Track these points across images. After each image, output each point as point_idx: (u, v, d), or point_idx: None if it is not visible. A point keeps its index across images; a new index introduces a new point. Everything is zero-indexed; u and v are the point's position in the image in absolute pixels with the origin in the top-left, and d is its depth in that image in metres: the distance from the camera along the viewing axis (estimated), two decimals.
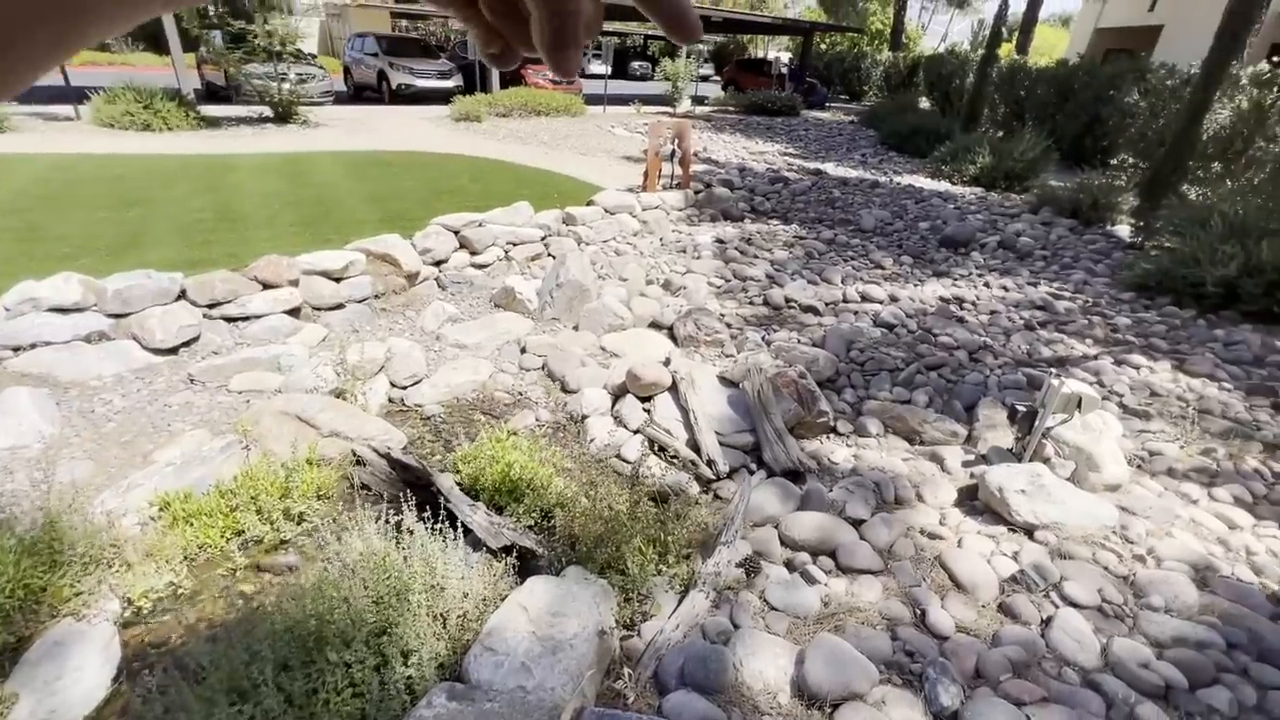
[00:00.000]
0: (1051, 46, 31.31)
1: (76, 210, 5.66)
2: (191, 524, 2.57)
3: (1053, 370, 4.22)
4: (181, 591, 2.39)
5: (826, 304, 5.32)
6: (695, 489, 3.14)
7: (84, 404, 3.35)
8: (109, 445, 3.11)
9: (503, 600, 2.22)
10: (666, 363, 3.96)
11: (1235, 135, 8.93)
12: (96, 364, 3.61)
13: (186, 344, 3.90)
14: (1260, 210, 5.75)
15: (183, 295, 4.03)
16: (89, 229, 5.21)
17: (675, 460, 3.31)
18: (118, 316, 3.81)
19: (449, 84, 15.53)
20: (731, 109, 18.17)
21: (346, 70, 17.38)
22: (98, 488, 2.76)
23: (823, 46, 27.01)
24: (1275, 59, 9.17)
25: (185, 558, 2.49)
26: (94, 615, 2.19)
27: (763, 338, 4.65)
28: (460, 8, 0.35)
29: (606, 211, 6.79)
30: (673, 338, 4.64)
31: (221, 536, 2.56)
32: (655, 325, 4.84)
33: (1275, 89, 8.63)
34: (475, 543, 2.59)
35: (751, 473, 3.29)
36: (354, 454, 3.11)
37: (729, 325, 4.83)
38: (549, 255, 6.07)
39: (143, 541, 2.47)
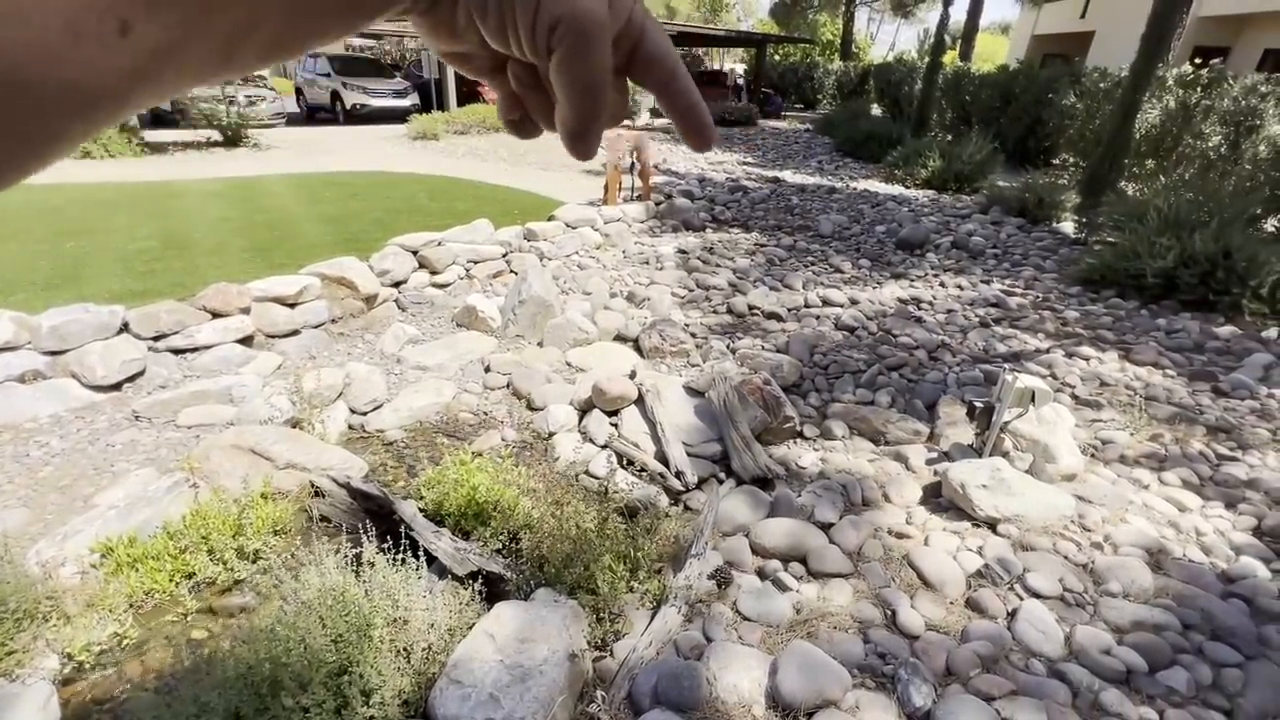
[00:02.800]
0: (993, 53, 32.64)
1: (9, 244, 5.40)
2: (137, 569, 2.44)
3: (1007, 365, 4.34)
4: (127, 642, 2.27)
5: (789, 310, 5.39)
6: (665, 501, 3.12)
7: (17, 448, 3.17)
8: (46, 491, 2.95)
9: (470, 629, 2.16)
10: (632, 375, 3.95)
11: (1165, 134, 9.41)
12: (31, 405, 3.43)
13: (130, 379, 3.74)
14: (1192, 204, 6.05)
15: (125, 328, 3.86)
16: (23, 262, 4.96)
17: (644, 473, 3.28)
18: (54, 353, 3.63)
19: (405, 103, 15.38)
20: None
21: (299, 91, 17.07)
22: (33, 537, 2.61)
23: (776, 58, 27.63)
24: (1198, 61, 9.72)
25: (130, 605, 2.36)
26: (29, 674, 2.06)
27: (727, 346, 4.67)
28: (487, 71, 0.34)
29: (568, 226, 6.77)
30: (638, 350, 4.63)
31: (170, 580, 2.44)
32: (620, 338, 4.83)
33: (1199, 89, 9.14)
34: (441, 570, 2.52)
35: (720, 482, 3.28)
36: (312, 485, 3.01)
37: (694, 335, 4.84)
38: (511, 272, 6.02)
39: (83, 591, 2.34)
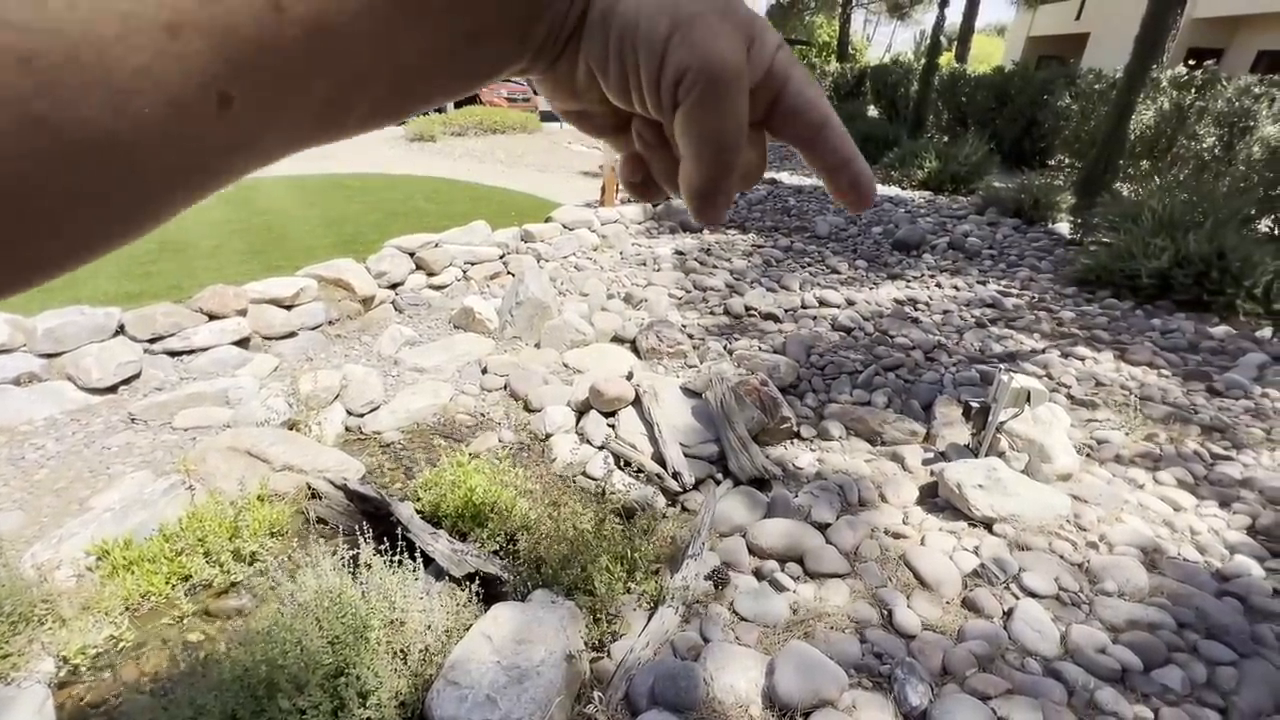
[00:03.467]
0: (988, 55, 32.75)
1: None
2: (133, 571, 2.44)
3: (1003, 366, 4.35)
4: (123, 645, 2.26)
5: (786, 310, 5.40)
6: (662, 502, 3.13)
7: (13, 451, 3.16)
8: (41, 493, 2.94)
9: (467, 630, 2.16)
10: (629, 376, 3.95)
11: (1160, 135, 9.46)
12: (27, 407, 3.42)
13: (126, 381, 3.73)
14: (1186, 205, 6.07)
15: (121, 330, 3.86)
16: None
17: (641, 474, 3.29)
18: (50, 356, 3.62)
19: None
20: None
21: None
22: (28, 540, 2.60)
23: None
24: (1192, 62, 9.77)
25: (126, 608, 2.36)
26: (24, 678, 2.05)
27: (724, 347, 4.68)
28: (610, 131, 0.32)
29: (565, 227, 6.78)
30: (635, 351, 4.64)
31: (166, 583, 2.44)
32: (618, 339, 4.83)
33: (1193, 91, 9.19)
34: (438, 572, 2.52)
35: (718, 483, 3.29)
36: (309, 487, 3.01)
37: (691, 336, 4.85)
38: (508, 273, 6.02)
39: (79, 594, 2.33)
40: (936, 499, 3.09)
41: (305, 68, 0.20)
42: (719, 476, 3.35)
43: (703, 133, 0.26)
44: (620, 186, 0.34)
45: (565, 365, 4.37)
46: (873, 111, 18.01)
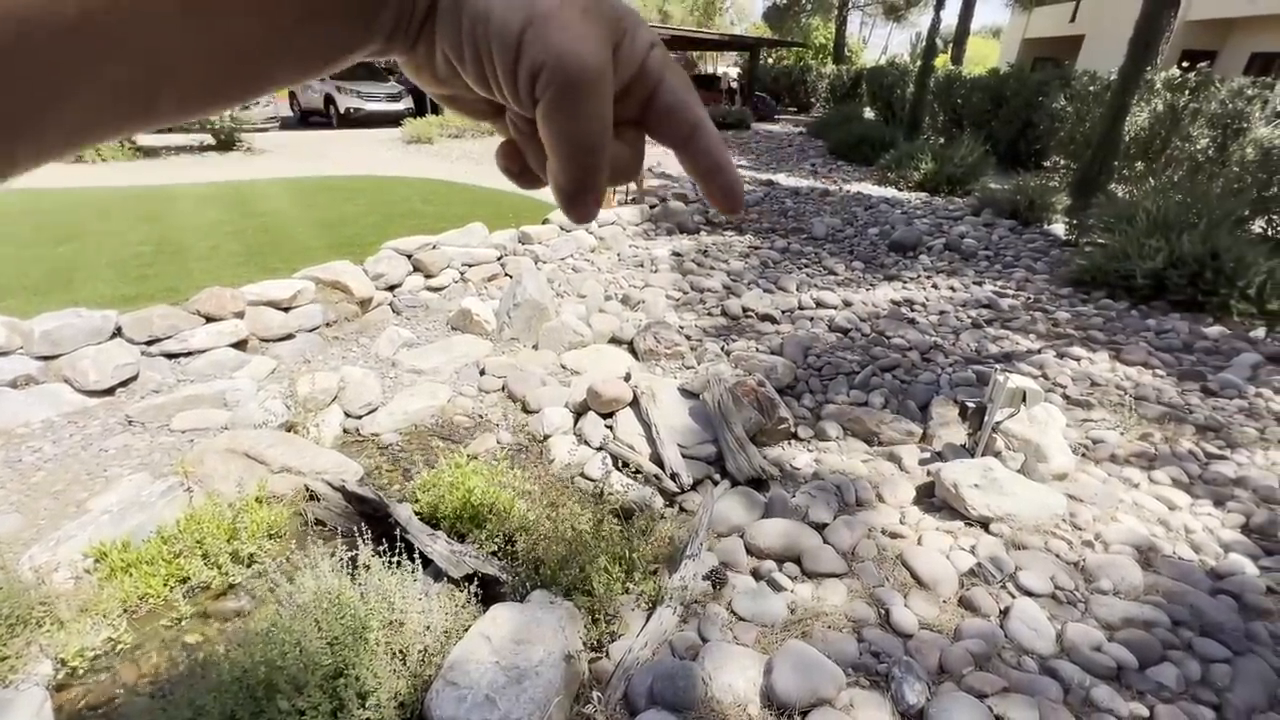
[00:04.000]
0: (984, 57, 32.89)
1: (1, 248, 5.37)
2: (131, 574, 2.43)
3: (999, 366, 4.37)
4: (121, 647, 2.26)
5: (783, 312, 5.42)
6: (660, 503, 3.13)
7: (10, 453, 3.16)
8: (39, 496, 2.93)
9: (465, 631, 2.16)
10: (627, 377, 3.96)
11: (1154, 136, 9.51)
12: (24, 410, 3.41)
13: (123, 384, 3.72)
14: (1180, 206, 6.11)
15: (118, 333, 3.85)
16: (15, 267, 4.94)
17: (639, 475, 3.29)
18: (47, 358, 3.62)
19: (399, 107, 15.36)
20: None
21: (292, 95, 17.02)
22: (26, 542, 2.60)
23: (770, 61, 27.77)
24: (1186, 64, 9.83)
25: (125, 610, 2.36)
26: (22, 680, 2.05)
27: (722, 348, 4.69)
28: (484, 115, 0.31)
29: (562, 229, 6.79)
30: (633, 352, 4.65)
31: (164, 585, 2.44)
32: (615, 340, 4.84)
33: (1187, 92, 9.24)
34: (436, 573, 2.52)
35: (715, 483, 3.30)
36: (307, 489, 3.01)
37: (688, 337, 4.86)
38: (506, 275, 6.03)
39: (77, 596, 2.33)
40: (933, 499, 3.11)
41: (87, 53, 0.18)
42: (717, 477, 3.36)
43: (563, 135, 0.25)
44: (548, 183, 0.32)
45: (563, 366, 4.38)
46: (869, 113, 18.06)
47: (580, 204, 0.27)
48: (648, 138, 0.30)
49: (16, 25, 0.17)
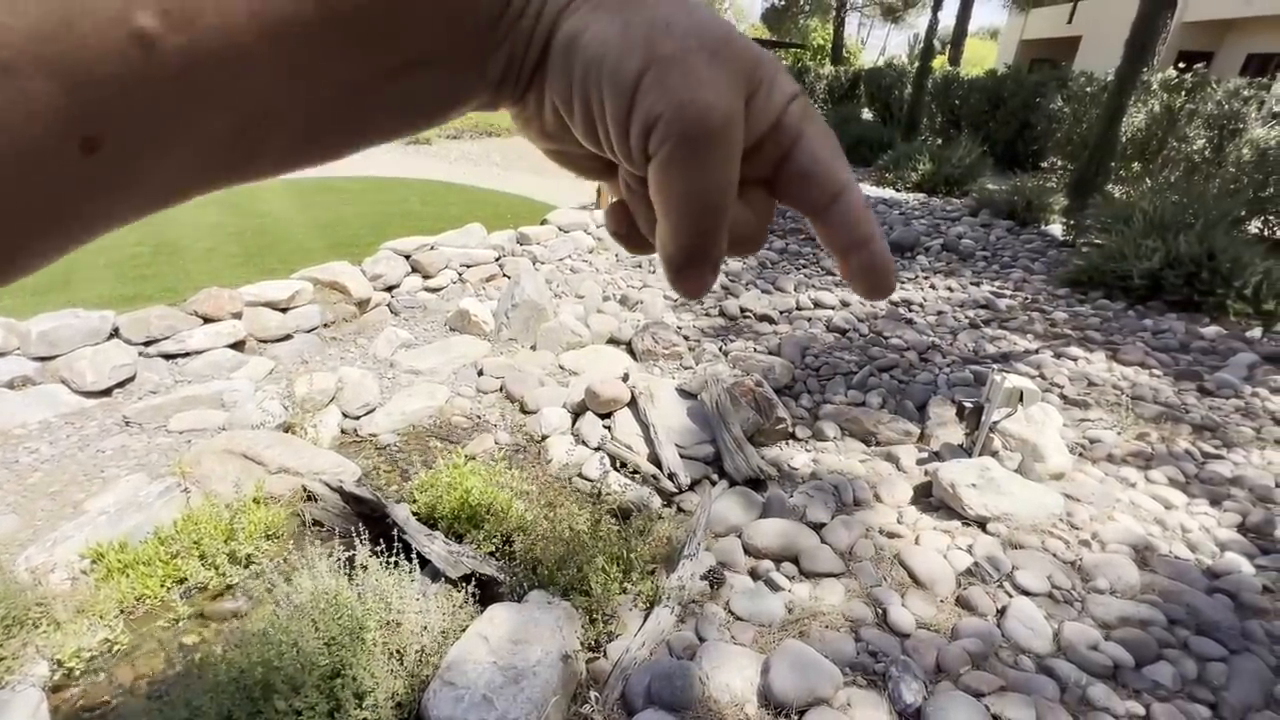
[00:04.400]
0: (982, 58, 32.96)
1: None
2: (128, 575, 2.43)
3: (996, 366, 4.38)
4: (118, 648, 2.26)
5: (781, 312, 5.42)
6: (657, 503, 3.14)
7: (7, 454, 3.15)
8: (35, 497, 2.93)
9: (463, 631, 2.16)
10: (625, 378, 3.96)
11: (1151, 137, 9.54)
12: (21, 411, 3.40)
13: (121, 384, 3.72)
14: (1177, 206, 6.13)
15: (116, 333, 3.85)
16: None
17: (636, 475, 3.30)
18: (44, 359, 3.61)
19: None
20: None
21: None
22: (22, 543, 2.59)
23: None
24: (1182, 65, 9.86)
25: (122, 611, 2.36)
26: (19, 681, 2.05)
27: (720, 348, 4.70)
28: (598, 172, 0.28)
29: (561, 230, 6.79)
30: (631, 352, 4.65)
31: (161, 586, 2.44)
32: (613, 341, 4.84)
33: (1183, 93, 9.27)
34: (434, 573, 2.52)
35: (713, 483, 3.30)
36: (304, 489, 3.01)
37: (686, 338, 4.87)
38: (504, 276, 6.03)
39: (73, 597, 2.33)
40: (931, 498, 3.11)
41: (191, 105, 0.18)
42: (715, 477, 3.36)
43: (677, 194, 0.22)
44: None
45: (561, 367, 4.38)
46: (867, 114, 18.09)
47: (691, 276, 0.24)
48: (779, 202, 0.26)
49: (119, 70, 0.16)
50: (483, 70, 0.22)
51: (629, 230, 0.28)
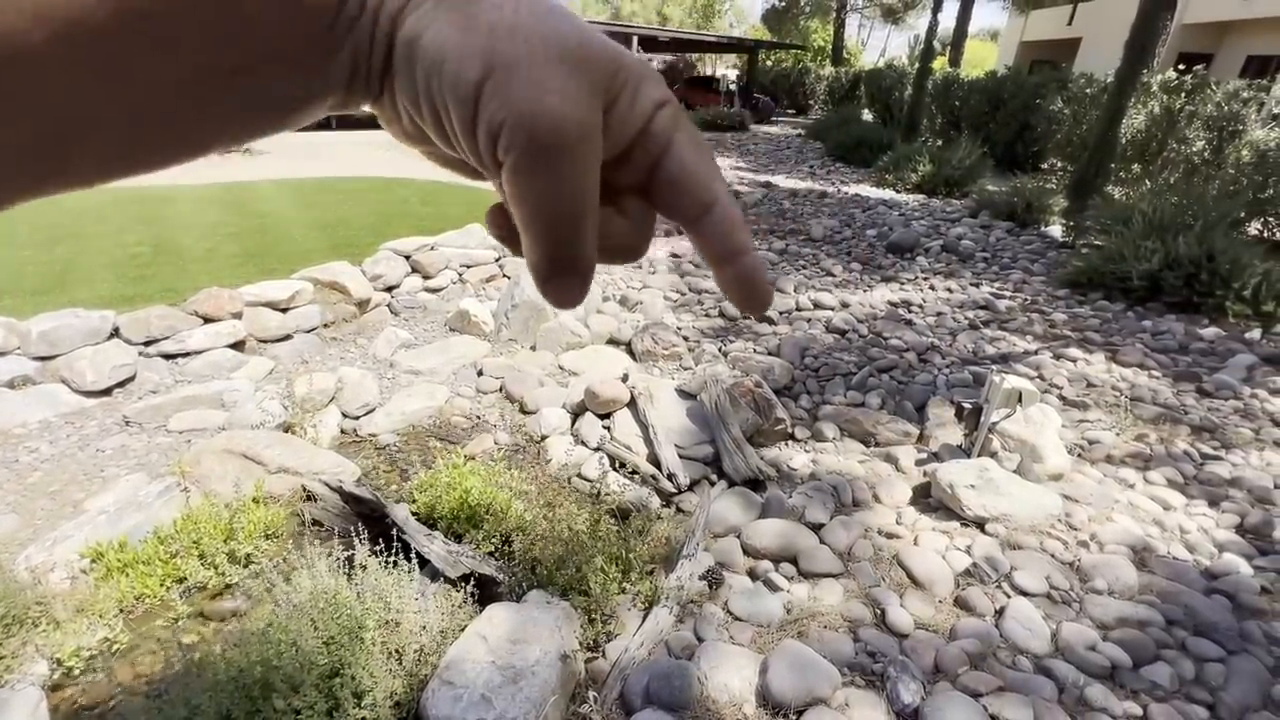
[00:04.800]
0: (982, 59, 32.99)
1: None
2: (127, 574, 2.43)
3: (995, 367, 4.39)
4: (117, 647, 2.26)
5: (780, 313, 5.43)
6: (656, 503, 3.14)
7: (7, 454, 3.16)
8: (35, 496, 2.93)
9: (462, 631, 2.17)
10: (625, 378, 3.96)
11: (1150, 138, 9.54)
12: (21, 410, 3.41)
13: (121, 384, 3.72)
14: (1176, 208, 6.13)
15: (116, 333, 3.85)
16: (12, 269, 4.94)
17: (636, 475, 3.30)
18: (44, 359, 3.61)
19: None
20: None
21: None
22: (22, 542, 2.60)
23: (768, 63, 27.82)
24: (1182, 67, 9.87)
25: (121, 610, 2.36)
26: (18, 680, 2.05)
27: (719, 349, 4.70)
28: (471, 172, 0.27)
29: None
30: (631, 353, 4.66)
31: (161, 585, 2.44)
32: (613, 341, 4.85)
33: (1183, 95, 9.28)
34: (433, 573, 2.53)
35: (712, 484, 3.30)
36: (304, 489, 3.01)
37: (686, 338, 4.87)
38: (504, 276, 6.04)
39: (73, 596, 2.33)
40: (929, 499, 3.11)
41: None
42: (714, 477, 3.36)
43: (530, 204, 0.21)
44: None
45: (561, 367, 4.38)
46: (867, 115, 18.11)
47: (557, 287, 0.23)
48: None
49: None
50: (325, 72, 0.21)
51: (510, 234, 0.26)
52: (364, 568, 2.23)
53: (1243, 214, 7.02)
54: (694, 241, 0.25)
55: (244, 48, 0.19)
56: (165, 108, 0.19)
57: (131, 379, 3.77)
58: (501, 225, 0.26)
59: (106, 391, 3.67)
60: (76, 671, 2.15)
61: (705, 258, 0.25)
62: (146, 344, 3.90)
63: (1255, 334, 4.96)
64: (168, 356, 3.96)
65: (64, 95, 0.17)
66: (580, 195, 0.21)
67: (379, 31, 0.21)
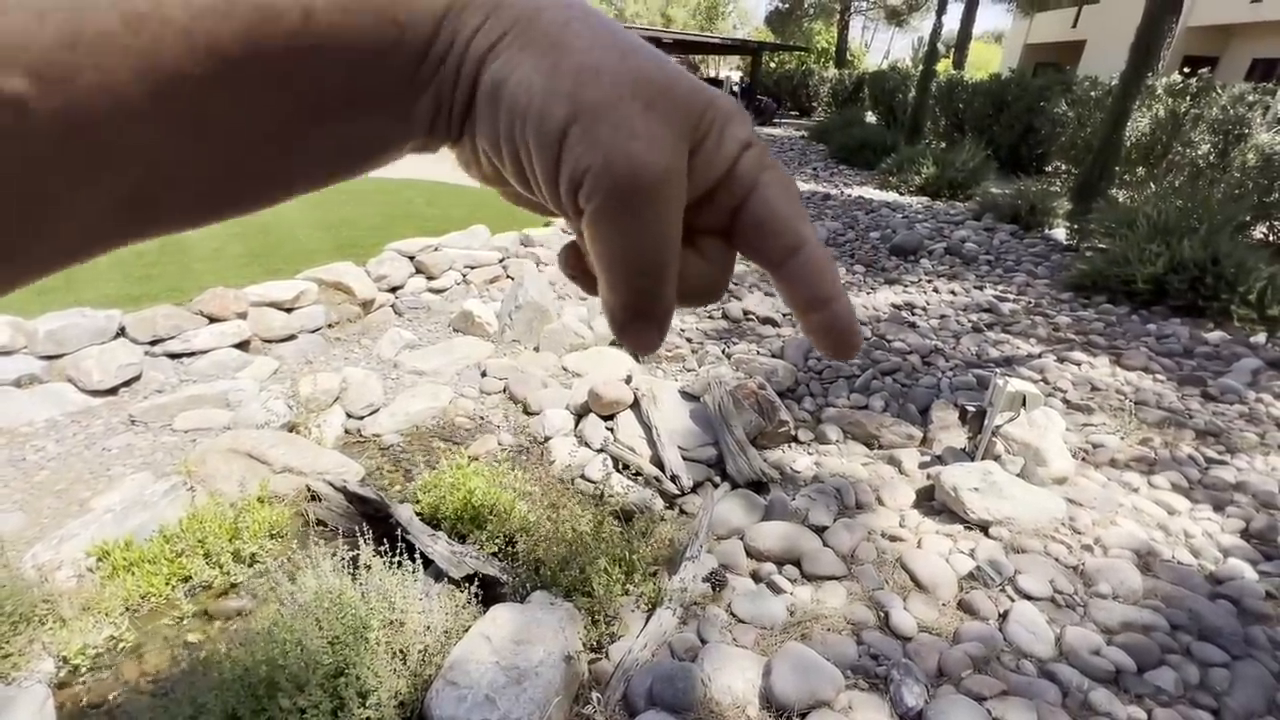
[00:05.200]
0: (986, 62, 32.97)
1: None
2: (133, 572, 2.45)
3: (999, 370, 4.38)
4: (123, 645, 2.27)
5: (784, 315, 5.42)
6: (660, 505, 3.14)
7: (14, 452, 3.17)
8: (42, 494, 2.95)
9: (466, 631, 2.17)
10: (628, 380, 3.97)
11: (1155, 141, 9.52)
12: (28, 409, 3.43)
13: (127, 384, 3.74)
14: (1181, 211, 6.12)
15: (122, 333, 3.87)
16: None
17: (639, 477, 3.30)
18: (51, 358, 3.63)
19: None
20: None
21: None
22: (29, 540, 2.61)
23: (772, 65, 27.82)
24: (1187, 70, 9.85)
25: (127, 609, 2.37)
26: (25, 677, 2.06)
27: (723, 351, 4.71)
28: (549, 212, 0.26)
29: (565, 232, 6.81)
30: (634, 355, 4.66)
31: (166, 584, 2.45)
32: (616, 343, 4.85)
33: (1188, 98, 9.26)
34: (437, 574, 2.53)
35: (715, 486, 3.30)
36: (308, 489, 3.02)
37: (689, 340, 4.88)
38: (508, 277, 6.05)
39: (79, 595, 2.34)
40: (933, 502, 3.11)
41: (76, 167, 0.17)
42: (717, 479, 3.36)
43: (610, 252, 0.21)
44: None
45: (564, 369, 4.39)
46: (871, 118, 18.09)
47: (634, 332, 0.23)
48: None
49: None
50: (408, 117, 0.21)
51: (582, 274, 0.26)
52: (368, 568, 2.24)
53: (1248, 217, 6.99)
54: (778, 286, 0.24)
55: (328, 96, 0.19)
56: (254, 155, 0.20)
57: (137, 378, 3.79)
58: (575, 266, 0.26)
59: (112, 391, 3.68)
60: (83, 669, 2.17)
61: (789, 303, 0.24)
62: (152, 343, 3.92)
63: (1260, 338, 4.95)
64: (173, 356, 3.98)
65: (160, 149, 0.18)
66: (663, 244, 0.21)
67: (464, 73, 0.21)
